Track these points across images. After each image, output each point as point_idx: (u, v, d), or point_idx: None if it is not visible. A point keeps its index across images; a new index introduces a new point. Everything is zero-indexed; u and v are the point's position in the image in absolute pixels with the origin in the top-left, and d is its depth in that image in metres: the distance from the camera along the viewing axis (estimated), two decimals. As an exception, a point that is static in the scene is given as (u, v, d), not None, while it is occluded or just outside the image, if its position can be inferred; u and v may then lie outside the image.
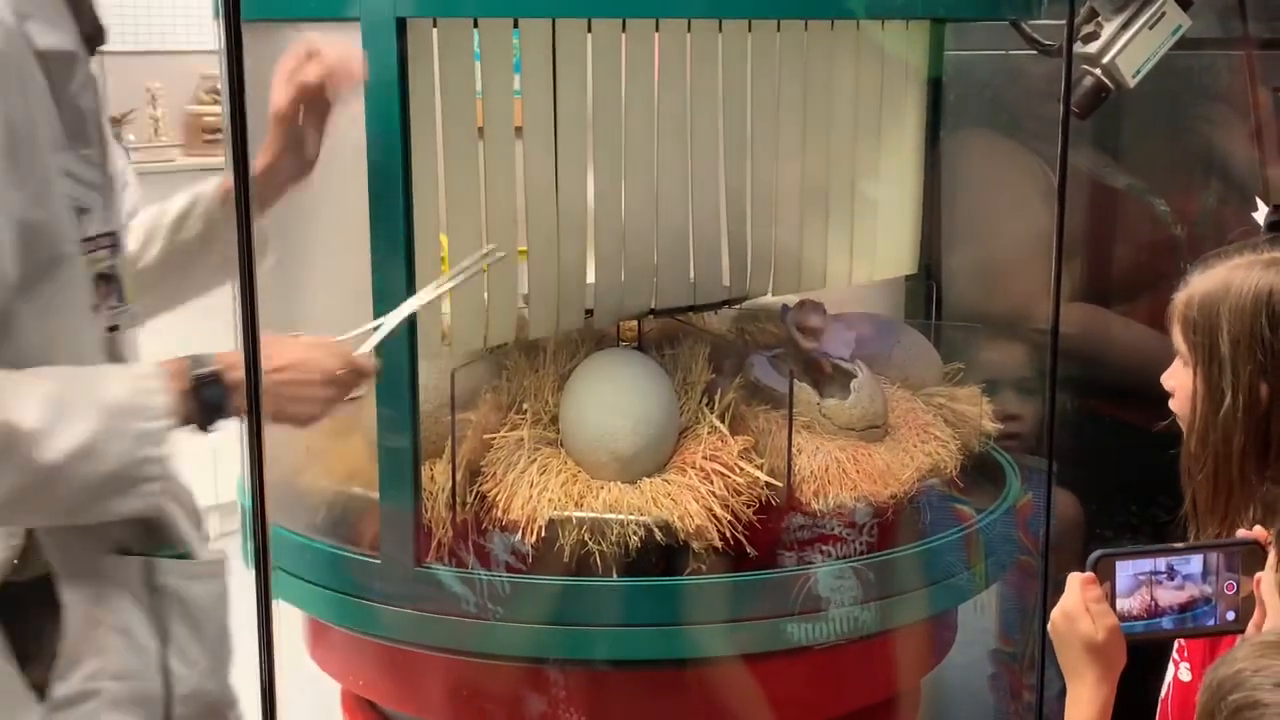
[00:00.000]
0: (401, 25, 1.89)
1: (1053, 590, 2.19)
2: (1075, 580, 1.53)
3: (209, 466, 4.57)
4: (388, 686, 2.24)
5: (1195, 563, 1.50)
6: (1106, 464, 2.53)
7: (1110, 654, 1.51)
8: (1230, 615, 1.51)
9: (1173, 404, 1.75)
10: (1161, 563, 1.51)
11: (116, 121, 4.62)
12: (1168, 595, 1.51)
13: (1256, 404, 1.62)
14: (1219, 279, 1.66)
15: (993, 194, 2.85)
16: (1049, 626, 1.55)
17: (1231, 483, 1.63)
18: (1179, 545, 1.53)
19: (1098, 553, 1.52)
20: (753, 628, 2.05)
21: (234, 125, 1.19)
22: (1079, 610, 1.51)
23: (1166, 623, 1.53)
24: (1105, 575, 1.51)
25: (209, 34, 5.02)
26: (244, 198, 1.24)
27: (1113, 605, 1.51)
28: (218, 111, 4.91)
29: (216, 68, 4.96)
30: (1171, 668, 1.70)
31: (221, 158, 4.73)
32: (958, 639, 2.45)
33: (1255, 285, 1.63)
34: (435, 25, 1.95)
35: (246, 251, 1.23)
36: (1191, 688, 1.63)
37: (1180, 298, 1.70)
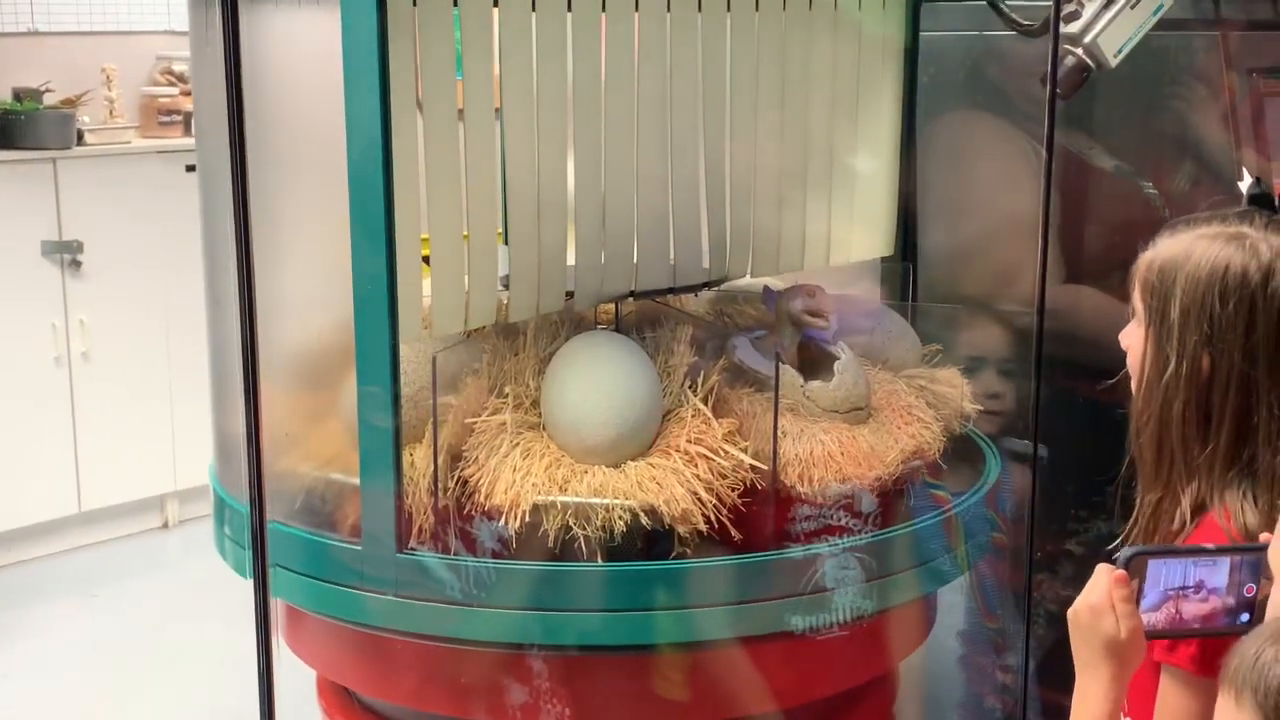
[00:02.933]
0: (382, 4, 1.87)
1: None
2: (1103, 574, 1.49)
3: (168, 453, 4.57)
4: (365, 674, 2.22)
5: (1222, 570, 1.49)
6: (1083, 445, 2.53)
7: (1130, 653, 1.49)
8: (1245, 617, 1.50)
9: (1129, 361, 1.74)
10: (1191, 575, 1.49)
11: (71, 103, 4.55)
12: (1193, 608, 1.50)
13: (1198, 374, 1.63)
14: (1182, 246, 1.66)
15: (971, 175, 2.85)
16: (1069, 615, 1.52)
17: (1173, 449, 1.64)
18: (1210, 547, 1.52)
19: (1129, 550, 1.50)
20: (735, 611, 2.05)
21: (232, 105, 1.17)
22: (1105, 606, 1.48)
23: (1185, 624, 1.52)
24: (1135, 573, 1.49)
25: (165, 15, 4.98)
26: (241, 176, 1.22)
27: (1138, 604, 1.49)
28: (173, 93, 4.85)
29: (172, 49, 4.90)
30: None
31: (176, 139, 4.68)
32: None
33: (1214, 257, 1.62)
34: (415, 4, 1.92)
35: (245, 240, 1.21)
36: None
37: (1143, 258, 1.70)
